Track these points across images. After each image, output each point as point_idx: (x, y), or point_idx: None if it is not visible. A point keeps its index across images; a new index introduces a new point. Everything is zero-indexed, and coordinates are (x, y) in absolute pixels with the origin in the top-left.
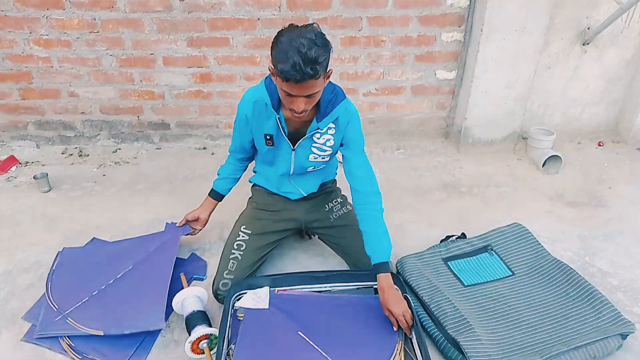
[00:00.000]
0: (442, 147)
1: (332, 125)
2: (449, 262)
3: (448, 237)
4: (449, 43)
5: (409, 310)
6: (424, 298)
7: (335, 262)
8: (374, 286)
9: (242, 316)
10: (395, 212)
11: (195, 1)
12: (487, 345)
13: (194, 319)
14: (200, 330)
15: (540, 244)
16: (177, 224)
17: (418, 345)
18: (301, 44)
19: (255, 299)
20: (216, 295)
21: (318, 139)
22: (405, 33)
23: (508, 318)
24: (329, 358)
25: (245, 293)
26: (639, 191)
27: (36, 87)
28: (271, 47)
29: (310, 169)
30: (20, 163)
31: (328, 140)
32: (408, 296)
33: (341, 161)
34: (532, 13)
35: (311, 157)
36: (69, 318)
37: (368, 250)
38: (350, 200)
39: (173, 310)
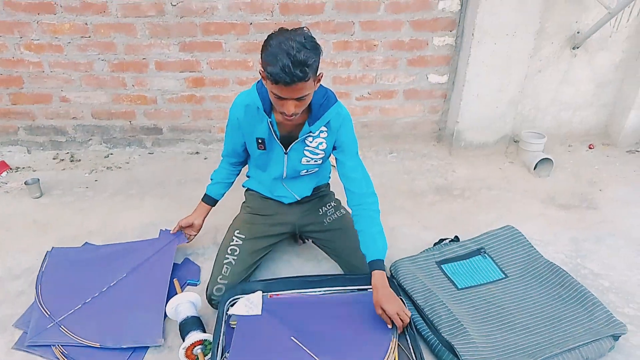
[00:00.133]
0: (434, 151)
1: (324, 128)
2: (442, 266)
3: (441, 240)
4: (441, 47)
5: (404, 309)
6: (418, 301)
7: (328, 266)
8: (369, 289)
9: (234, 324)
10: (388, 216)
11: (187, 6)
12: (482, 348)
13: (188, 325)
14: (195, 336)
15: (532, 246)
16: (170, 231)
17: (412, 349)
18: (290, 46)
19: (248, 305)
20: (210, 300)
21: (310, 142)
22: (398, 37)
23: (502, 321)
24: None
25: (239, 298)
26: (629, 193)
27: (27, 92)
28: (261, 51)
29: (303, 172)
30: (11, 168)
31: (320, 143)
32: (403, 299)
33: (334, 165)
34: (522, 17)
35: (304, 160)
36: (62, 326)
37: (363, 248)
38: (344, 204)
39: (167, 315)
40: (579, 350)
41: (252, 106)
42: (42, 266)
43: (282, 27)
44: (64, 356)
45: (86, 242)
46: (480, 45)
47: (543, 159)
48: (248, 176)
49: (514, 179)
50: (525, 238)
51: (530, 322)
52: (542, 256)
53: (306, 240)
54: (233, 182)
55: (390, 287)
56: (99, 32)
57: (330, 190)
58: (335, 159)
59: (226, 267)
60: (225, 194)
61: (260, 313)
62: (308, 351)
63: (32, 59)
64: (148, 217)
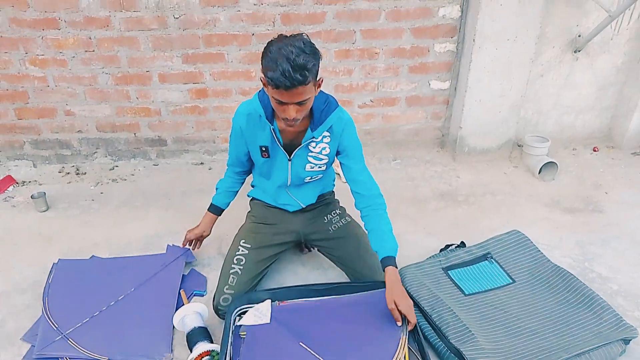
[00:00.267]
0: (438, 157)
1: (326, 133)
2: (449, 272)
3: (447, 246)
4: (442, 54)
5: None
6: (425, 308)
7: (334, 274)
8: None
9: (244, 334)
10: (393, 223)
11: (189, 18)
12: (490, 354)
13: (195, 336)
14: (202, 346)
15: (539, 250)
16: (180, 245)
17: (421, 356)
18: (290, 51)
19: (257, 314)
20: (217, 310)
21: (314, 147)
22: (399, 45)
23: (510, 326)
24: None
25: (247, 308)
26: (634, 196)
27: (32, 106)
28: (261, 57)
29: (308, 179)
30: (17, 183)
31: (324, 148)
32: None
33: (338, 173)
34: (523, 22)
35: (308, 166)
36: (69, 339)
37: (374, 246)
38: (348, 211)
39: (174, 327)
40: (589, 354)
41: (254, 114)
42: (48, 278)
43: (281, 34)
44: None
45: (93, 256)
46: (482, 51)
47: (547, 162)
48: (253, 185)
49: (519, 183)
50: (531, 242)
51: (538, 327)
52: (549, 260)
53: (312, 249)
54: (238, 191)
55: None
56: (103, 46)
57: (335, 198)
58: (341, 164)
59: (232, 277)
60: (230, 204)
61: (269, 321)
62: (317, 356)
63: (37, 74)
64: (153, 229)
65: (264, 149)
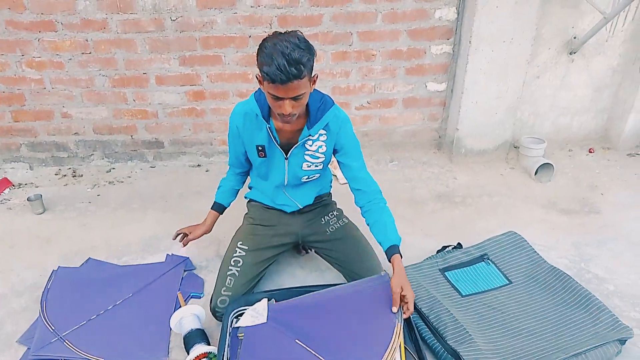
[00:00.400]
0: (435, 158)
1: (323, 131)
2: (446, 273)
3: (444, 247)
4: (439, 55)
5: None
6: (422, 309)
7: (332, 276)
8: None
9: (242, 336)
10: None
11: (187, 20)
12: (487, 355)
13: (192, 338)
14: (199, 348)
15: (536, 251)
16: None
17: (418, 356)
18: (285, 46)
19: (254, 315)
20: (214, 312)
21: (310, 146)
22: (395, 47)
23: (507, 327)
24: None
25: (244, 310)
26: (630, 197)
27: (29, 108)
28: (257, 54)
29: (305, 178)
30: (13, 185)
31: (320, 147)
32: None
33: (335, 175)
34: (519, 24)
35: (304, 165)
36: (66, 341)
37: (378, 237)
38: (345, 213)
39: (171, 329)
40: (585, 355)
41: (250, 113)
42: (47, 284)
43: (275, 31)
44: None
45: (89, 258)
46: (478, 53)
47: (543, 164)
48: (250, 187)
49: (515, 184)
50: (528, 244)
51: (535, 327)
52: (545, 261)
53: (309, 251)
54: (239, 191)
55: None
56: (100, 48)
57: (333, 199)
58: (341, 163)
59: (230, 279)
60: (231, 204)
61: (265, 321)
62: (313, 352)
63: (34, 76)
64: (150, 231)
65: (260, 148)
